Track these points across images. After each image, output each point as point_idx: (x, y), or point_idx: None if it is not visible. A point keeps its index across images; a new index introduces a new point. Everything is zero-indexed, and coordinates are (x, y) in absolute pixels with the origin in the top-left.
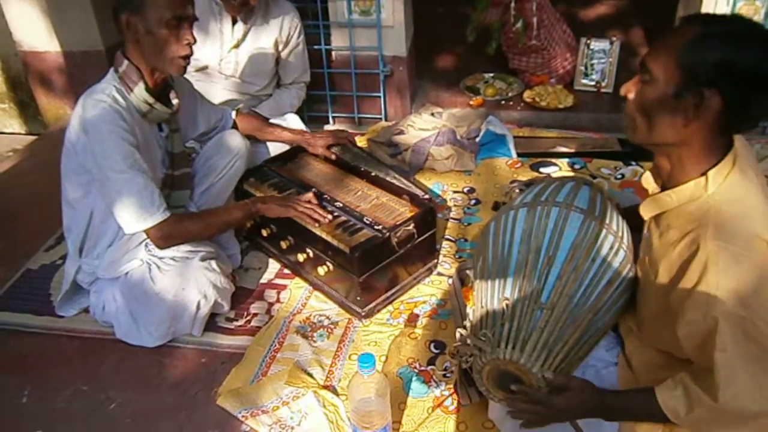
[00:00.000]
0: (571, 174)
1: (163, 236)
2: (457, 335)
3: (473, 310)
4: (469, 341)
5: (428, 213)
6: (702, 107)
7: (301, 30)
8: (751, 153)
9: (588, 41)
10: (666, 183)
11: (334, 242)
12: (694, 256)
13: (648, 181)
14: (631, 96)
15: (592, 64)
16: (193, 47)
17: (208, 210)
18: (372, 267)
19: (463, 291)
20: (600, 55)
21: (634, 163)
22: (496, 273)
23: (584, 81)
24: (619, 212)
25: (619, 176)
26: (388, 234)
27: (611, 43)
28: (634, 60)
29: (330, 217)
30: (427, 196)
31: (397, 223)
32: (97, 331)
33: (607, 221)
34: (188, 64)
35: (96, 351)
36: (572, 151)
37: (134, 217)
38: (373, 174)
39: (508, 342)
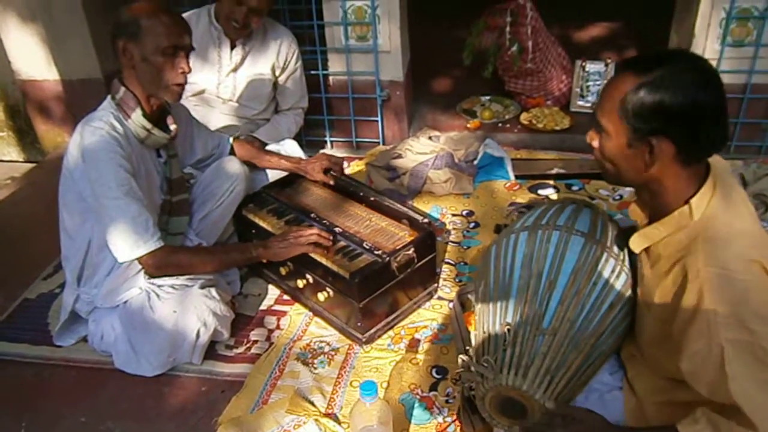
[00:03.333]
0: (572, 196)
1: (155, 265)
2: (460, 362)
3: (475, 336)
4: (471, 368)
5: (428, 237)
6: (654, 152)
7: (299, 56)
8: (729, 172)
9: (583, 63)
10: (652, 214)
11: (334, 268)
12: (687, 283)
13: (636, 213)
14: (594, 144)
15: (587, 86)
16: (191, 70)
17: (207, 246)
18: (372, 292)
19: (464, 315)
20: (595, 77)
21: None
22: (497, 298)
23: (580, 103)
24: (621, 234)
25: (618, 197)
26: (388, 259)
27: (606, 65)
28: None
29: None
30: (426, 220)
31: (397, 247)
32: (96, 361)
33: (609, 244)
34: (183, 91)
35: (95, 381)
36: (570, 172)
37: (127, 244)
38: (371, 198)
39: (510, 368)
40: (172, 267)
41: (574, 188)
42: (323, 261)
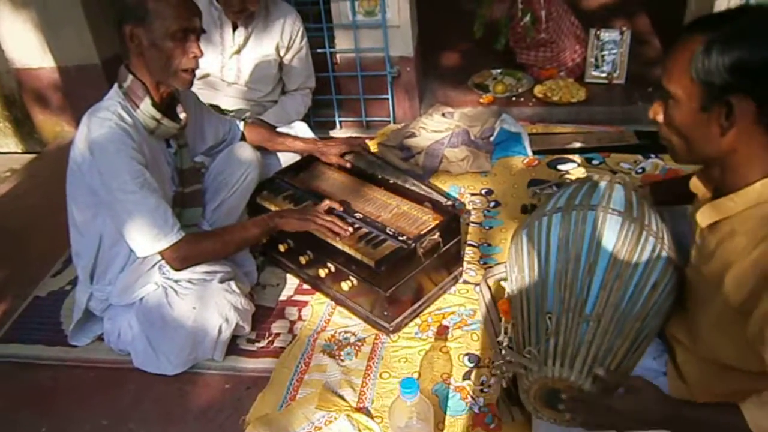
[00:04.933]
0: (596, 171)
1: (179, 258)
2: (497, 352)
3: (513, 325)
4: (513, 359)
5: (453, 220)
6: (734, 114)
7: (304, 34)
8: None
9: (598, 32)
10: (720, 188)
11: (358, 256)
12: None
13: (696, 186)
14: (660, 119)
15: (602, 56)
16: (203, 54)
17: (224, 228)
18: (398, 280)
19: (493, 300)
20: (610, 45)
21: (653, 155)
22: (534, 284)
23: (595, 73)
24: (656, 210)
25: (640, 170)
26: (413, 245)
27: (621, 33)
28: (645, 49)
29: (351, 229)
30: (450, 202)
31: (422, 232)
32: (114, 360)
33: (647, 222)
34: (194, 77)
35: (114, 382)
36: (589, 146)
37: (148, 239)
38: (391, 181)
39: (555, 359)
40: (196, 258)
41: (594, 162)
42: (346, 249)
